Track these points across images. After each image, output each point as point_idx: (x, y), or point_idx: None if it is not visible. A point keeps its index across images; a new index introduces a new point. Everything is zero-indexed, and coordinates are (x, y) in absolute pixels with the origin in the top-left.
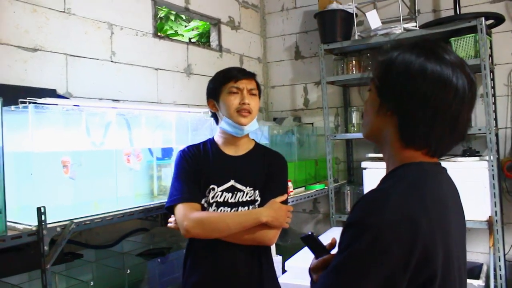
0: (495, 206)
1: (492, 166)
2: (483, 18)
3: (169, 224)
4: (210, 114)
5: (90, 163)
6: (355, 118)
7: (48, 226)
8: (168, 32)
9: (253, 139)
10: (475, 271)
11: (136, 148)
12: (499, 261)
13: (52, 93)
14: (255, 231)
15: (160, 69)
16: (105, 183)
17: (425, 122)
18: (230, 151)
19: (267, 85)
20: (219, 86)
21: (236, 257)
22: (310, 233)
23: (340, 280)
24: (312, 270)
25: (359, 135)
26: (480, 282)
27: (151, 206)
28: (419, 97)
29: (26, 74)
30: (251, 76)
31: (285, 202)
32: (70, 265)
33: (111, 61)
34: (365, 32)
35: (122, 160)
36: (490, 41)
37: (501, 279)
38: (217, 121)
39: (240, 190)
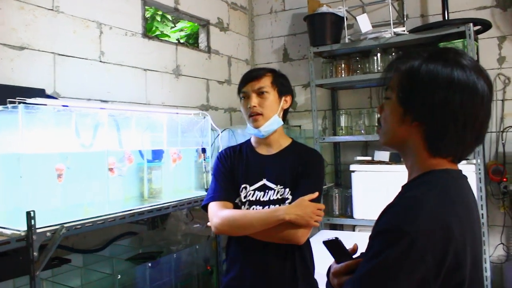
0: (482, 209)
1: (479, 169)
2: (471, 24)
3: (208, 223)
4: None
5: (80, 166)
6: (343, 121)
7: (38, 231)
8: (157, 33)
9: (290, 138)
10: None
11: (126, 150)
12: (485, 263)
13: (41, 93)
14: (283, 230)
15: (149, 70)
16: (95, 186)
17: (456, 132)
18: (263, 150)
19: None
20: (238, 93)
21: (267, 256)
22: (335, 237)
23: (371, 286)
24: (333, 275)
25: (348, 138)
26: None
27: (143, 209)
28: (449, 108)
29: (13, 73)
30: (259, 76)
31: (316, 200)
32: (58, 270)
33: (100, 61)
34: (355, 35)
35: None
36: (477, 47)
37: (486, 280)
38: None
39: (271, 189)
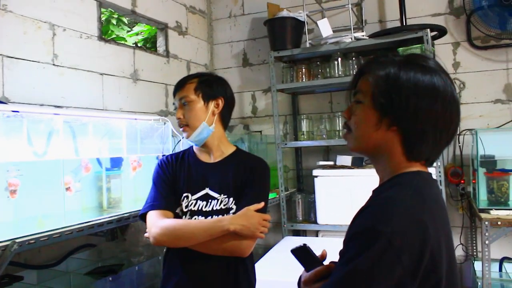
0: None
1: (440, 172)
2: (428, 30)
3: (145, 234)
4: None
5: (34, 176)
6: (304, 126)
7: None
8: (113, 36)
9: (235, 145)
10: None
11: (83, 158)
12: None
13: None
14: (226, 241)
15: (106, 74)
16: (50, 197)
17: (434, 138)
18: (205, 158)
19: None
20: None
21: (209, 269)
22: (303, 244)
23: (354, 287)
24: (304, 284)
25: (309, 143)
26: None
27: (102, 220)
28: (431, 114)
29: None
30: (182, 85)
31: (262, 210)
32: None
33: (53, 64)
34: (316, 40)
35: (69, 171)
36: (433, 52)
37: None
38: None
39: (214, 198)
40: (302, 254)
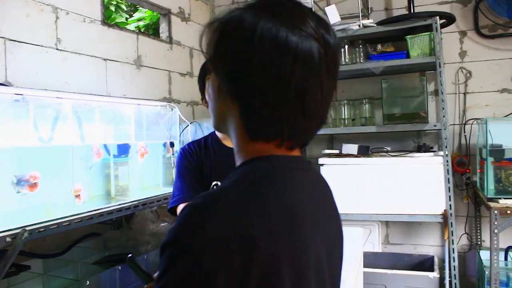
0: (450, 200)
1: (447, 161)
2: (437, 17)
3: None
4: None
5: (41, 162)
6: None
7: None
8: (117, 20)
9: None
10: (425, 264)
11: (95, 144)
12: (453, 252)
13: None
14: None
15: (109, 60)
16: (58, 185)
17: (265, 105)
18: (231, 143)
19: None
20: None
21: None
22: (129, 255)
23: None
24: None
25: None
26: (435, 274)
27: (111, 208)
28: (251, 69)
29: None
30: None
31: None
32: (15, 279)
33: (56, 49)
34: None
35: (77, 157)
36: (440, 41)
37: (454, 270)
38: None
39: None
40: (133, 266)
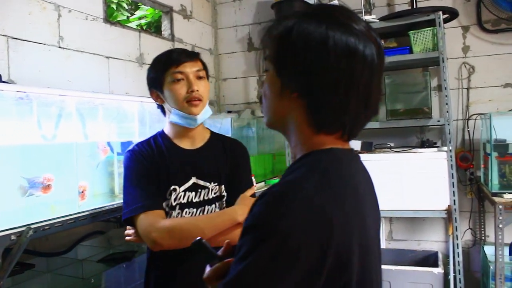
0: (454, 195)
1: (451, 156)
2: (440, 12)
3: (127, 238)
4: (156, 106)
5: (44, 159)
6: None
7: (0, 234)
8: (119, 19)
9: (207, 128)
10: (429, 260)
11: (101, 141)
12: (457, 248)
13: None
14: (229, 232)
15: (112, 58)
16: (63, 183)
17: (337, 102)
18: (186, 144)
19: (219, 78)
20: (161, 74)
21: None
22: (198, 238)
23: None
24: (206, 281)
25: None
26: (439, 269)
27: (115, 206)
28: (326, 73)
29: None
30: (195, 56)
31: (253, 195)
32: (19, 278)
33: (59, 47)
34: None
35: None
36: (444, 36)
37: (459, 265)
38: (164, 113)
39: (204, 187)
40: (200, 249)
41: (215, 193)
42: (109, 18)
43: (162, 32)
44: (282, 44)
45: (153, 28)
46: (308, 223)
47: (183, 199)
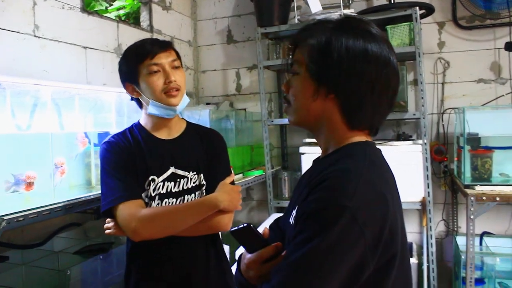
0: (428, 187)
1: (426, 149)
2: (417, 8)
3: (107, 231)
4: (130, 98)
5: (19, 150)
6: None
7: None
8: (96, 9)
9: (183, 118)
10: None
11: (79, 132)
12: (431, 239)
13: None
14: (210, 219)
15: (89, 48)
16: (38, 174)
17: (372, 103)
18: (163, 134)
19: (198, 70)
20: (135, 67)
21: (195, 251)
22: (246, 224)
23: (310, 269)
24: (248, 266)
25: None
26: (413, 260)
27: (92, 197)
28: (365, 79)
29: None
30: (168, 46)
31: (232, 182)
32: None
33: (35, 36)
34: (304, 16)
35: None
36: (420, 31)
37: (432, 255)
38: (140, 106)
39: (183, 177)
40: (246, 235)
41: (194, 182)
42: (87, 7)
43: (141, 23)
44: (322, 53)
45: (132, 19)
46: (371, 201)
47: (162, 189)
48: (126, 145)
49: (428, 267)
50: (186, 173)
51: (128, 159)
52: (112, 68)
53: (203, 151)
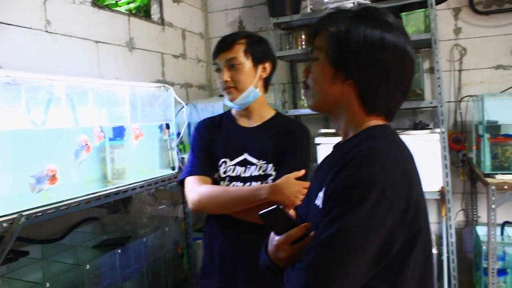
0: (447, 177)
1: (444, 138)
2: None
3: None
4: None
5: (35, 145)
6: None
7: None
8: (106, 3)
9: (275, 109)
10: None
11: (95, 126)
12: (450, 229)
13: None
14: (264, 207)
15: (101, 42)
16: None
17: (388, 89)
18: (244, 122)
19: (210, 62)
20: (215, 64)
21: (249, 235)
22: (276, 206)
23: (344, 245)
24: (277, 247)
25: (310, 111)
26: (433, 250)
27: (109, 191)
28: (382, 67)
29: None
30: (230, 45)
31: (302, 178)
32: (14, 265)
33: (46, 31)
34: (316, 5)
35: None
36: (436, 17)
37: (452, 246)
38: None
39: (253, 164)
40: (275, 216)
41: (263, 171)
42: (97, 2)
43: (152, 16)
44: (341, 41)
45: (143, 12)
46: (397, 177)
47: (232, 172)
48: (209, 127)
49: (448, 257)
50: (256, 161)
51: (208, 140)
52: (124, 62)
53: (278, 142)
